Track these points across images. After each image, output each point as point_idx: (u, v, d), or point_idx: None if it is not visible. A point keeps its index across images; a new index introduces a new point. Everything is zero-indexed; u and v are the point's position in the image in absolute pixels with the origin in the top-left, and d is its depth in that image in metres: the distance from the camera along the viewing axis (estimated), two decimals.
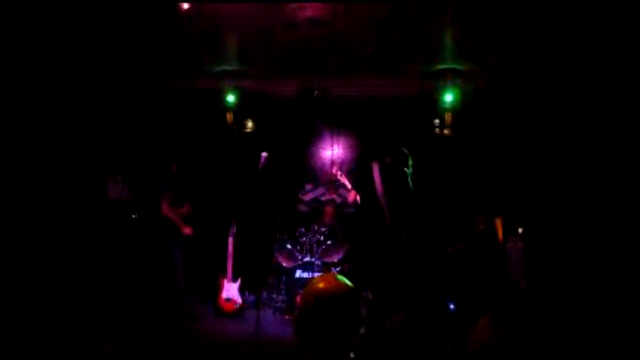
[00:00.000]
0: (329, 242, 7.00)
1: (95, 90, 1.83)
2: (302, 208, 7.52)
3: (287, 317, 6.64)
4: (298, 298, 6.73)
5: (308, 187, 7.59)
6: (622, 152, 1.73)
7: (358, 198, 6.41)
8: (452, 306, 6.12)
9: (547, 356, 1.76)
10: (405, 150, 5.75)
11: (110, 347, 2.31)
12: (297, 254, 7.00)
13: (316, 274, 6.35)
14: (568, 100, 1.80)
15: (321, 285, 2.03)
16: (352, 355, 2.00)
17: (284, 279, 7.02)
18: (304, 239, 7.04)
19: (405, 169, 5.66)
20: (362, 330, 1.87)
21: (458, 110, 7.12)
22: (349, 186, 6.70)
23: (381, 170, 5.69)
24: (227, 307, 6.68)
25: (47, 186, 1.76)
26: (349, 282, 2.05)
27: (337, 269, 6.85)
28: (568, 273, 1.75)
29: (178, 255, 6.50)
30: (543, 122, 1.80)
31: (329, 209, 7.42)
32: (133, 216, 6.59)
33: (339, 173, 6.75)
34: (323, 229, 7.09)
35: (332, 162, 7.85)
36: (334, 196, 7.25)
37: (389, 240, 5.64)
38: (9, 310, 1.69)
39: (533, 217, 1.85)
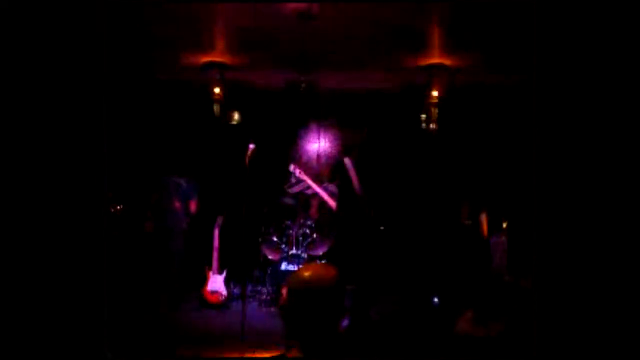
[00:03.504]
0: (314, 235, 7.03)
1: (96, 87, 1.84)
2: (288, 201, 7.53)
3: (272, 309, 6.66)
4: (283, 290, 6.75)
5: (294, 180, 7.58)
6: (620, 150, 1.76)
7: (330, 201, 6.36)
8: (435, 300, 6.19)
9: (547, 354, 1.79)
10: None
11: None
12: (283, 246, 7.02)
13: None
14: (567, 98, 1.83)
15: (307, 274, 2.06)
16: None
17: (269, 271, 7.04)
18: (290, 231, 7.06)
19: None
20: (345, 322, 1.90)
21: (444, 105, 7.15)
22: (310, 182, 6.65)
23: (354, 164, 5.72)
24: (213, 299, 6.70)
25: (48, 182, 1.76)
26: (333, 270, 2.08)
27: (324, 262, 6.88)
28: (567, 270, 1.79)
29: (179, 243, 6.65)
30: (542, 121, 1.83)
31: (314, 202, 7.43)
32: (118, 207, 6.56)
33: (297, 170, 6.69)
34: (309, 222, 7.11)
35: (318, 156, 7.85)
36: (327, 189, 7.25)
37: (370, 231, 5.67)
38: (12, 305, 1.70)
39: (533, 217, 1.88)
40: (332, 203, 6.23)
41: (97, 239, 1.86)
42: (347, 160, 5.75)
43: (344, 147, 6.03)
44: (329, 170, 6.98)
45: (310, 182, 6.61)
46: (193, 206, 6.89)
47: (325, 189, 6.57)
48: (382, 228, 5.75)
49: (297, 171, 6.68)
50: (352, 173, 5.68)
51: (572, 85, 1.85)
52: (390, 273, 6.18)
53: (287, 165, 6.81)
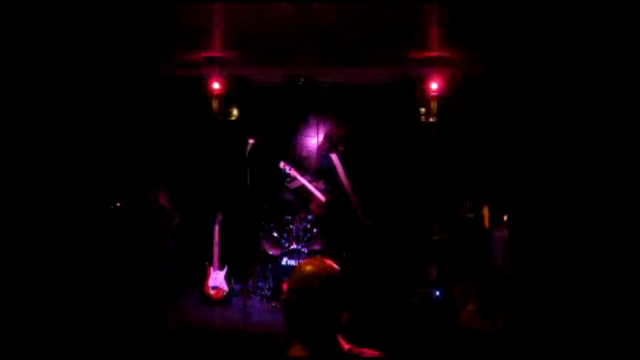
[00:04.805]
0: (315, 230, 7.02)
1: (96, 87, 1.83)
2: (288, 196, 7.51)
3: (273, 304, 6.66)
4: (284, 285, 6.75)
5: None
6: (619, 148, 1.75)
7: (321, 197, 6.36)
8: (438, 293, 6.19)
9: (547, 353, 1.78)
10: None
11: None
12: (284, 241, 7.01)
13: None
14: (566, 96, 1.82)
15: (308, 268, 2.04)
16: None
17: (270, 267, 7.04)
18: (291, 226, 7.05)
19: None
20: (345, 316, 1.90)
21: (443, 98, 7.13)
22: (300, 179, 6.64)
23: (340, 159, 5.72)
24: (214, 295, 6.70)
25: (48, 182, 1.75)
26: (334, 264, 2.06)
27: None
28: (568, 269, 1.78)
29: (170, 242, 6.69)
30: (542, 119, 1.82)
31: (314, 197, 7.41)
32: (118, 204, 6.54)
33: (287, 167, 6.67)
34: (309, 217, 7.10)
35: (317, 150, 7.83)
36: (319, 185, 7.24)
37: (357, 226, 5.67)
38: (11, 303, 1.69)
39: (533, 214, 1.87)
40: (323, 199, 6.23)
41: (96, 238, 1.85)
42: (333, 156, 5.75)
43: (329, 143, 6.01)
44: (317, 167, 6.98)
45: (300, 178, 6.60)
46: (163, 199, 7.01)
47: (317, 186, 6.58)
48: (369, 221, 5.76)
49: (287, 168, 6.67)
50: (339, 168, 5.68)
51: (571, 83, 1.84)
52: (383, 266, 6.18)
53: (278, 163, 6.79)
